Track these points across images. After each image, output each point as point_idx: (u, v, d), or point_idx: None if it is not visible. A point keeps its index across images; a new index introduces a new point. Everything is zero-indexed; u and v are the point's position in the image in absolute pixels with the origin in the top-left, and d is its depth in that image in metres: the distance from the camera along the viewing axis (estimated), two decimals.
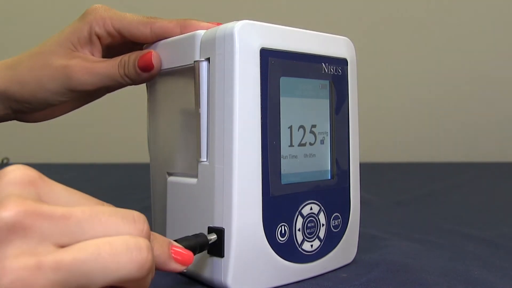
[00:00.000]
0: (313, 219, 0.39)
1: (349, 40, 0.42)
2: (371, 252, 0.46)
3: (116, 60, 0.42)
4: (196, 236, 0.34)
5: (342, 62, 0.41)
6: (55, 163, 1.24)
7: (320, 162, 0.40)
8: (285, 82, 0.37)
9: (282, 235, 0.37)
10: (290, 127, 0.38)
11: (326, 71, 0.40)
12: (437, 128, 1.40)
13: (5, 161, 1.03)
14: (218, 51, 0.35)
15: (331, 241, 0.40)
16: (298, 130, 0.39)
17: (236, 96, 0.34)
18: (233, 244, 0.34)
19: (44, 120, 0.47)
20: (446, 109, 1.40)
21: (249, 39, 0.35)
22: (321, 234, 0.40)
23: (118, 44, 0.44)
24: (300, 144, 0.39)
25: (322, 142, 0.40)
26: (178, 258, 0.29)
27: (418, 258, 0.44)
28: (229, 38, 0.35)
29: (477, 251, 0.47)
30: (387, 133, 1.39)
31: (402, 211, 0.68)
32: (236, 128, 0.34)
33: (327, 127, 0.41)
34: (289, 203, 0.37)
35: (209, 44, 0.36)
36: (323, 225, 0.40)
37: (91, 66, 0.42)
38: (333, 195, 0.40)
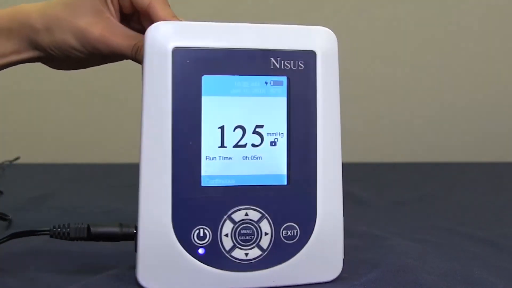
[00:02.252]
0: (250, 226, 0.37)
1: (325, 30, 0.39)
2: (371, 252, 0.46)
3: (132, 41, 0.42)
4: (121, 225, 0.38)
5: (305, 56, 0.38)
6: (55, 163, 1.24)
7: (269, 166, 0.38)
8: (209, 80, 0.37)
9: (201, 238, 0.36)
10: (222, 127, 0.37)
11: (278, 66, 0.38)
12: (437, 128, 1.40)
13: (5, 163, 1.03)
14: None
15: (281, 253, 0.37)
16: (234, 131, 0.37)
17: (144, 97, 0.36)
18: (141, 241, 0.36)
19: (67, 69, 0.48)
20: (446, 109, 1.40)
21: (159, 40, 0.36)
22: (264, 243, 0.37)
23: (127, 13, 0.44)
24: (237, 145, 0.37)
25: (273, 143, 0.38)
26: None
27: (418, 258, 0.44)
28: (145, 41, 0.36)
29: (477, 251, 0.47)
30: (388, 133, 1.39)
31: (402, 211, 0.68)
32: (144, 129, 0.36)
33: (281, 128, 0.38)
34: (212, 206, 0.37)
35: None
36: (266, 234, 0.37)
37: (109, 38, 0.42)
38: (286, 202, 0.38)
